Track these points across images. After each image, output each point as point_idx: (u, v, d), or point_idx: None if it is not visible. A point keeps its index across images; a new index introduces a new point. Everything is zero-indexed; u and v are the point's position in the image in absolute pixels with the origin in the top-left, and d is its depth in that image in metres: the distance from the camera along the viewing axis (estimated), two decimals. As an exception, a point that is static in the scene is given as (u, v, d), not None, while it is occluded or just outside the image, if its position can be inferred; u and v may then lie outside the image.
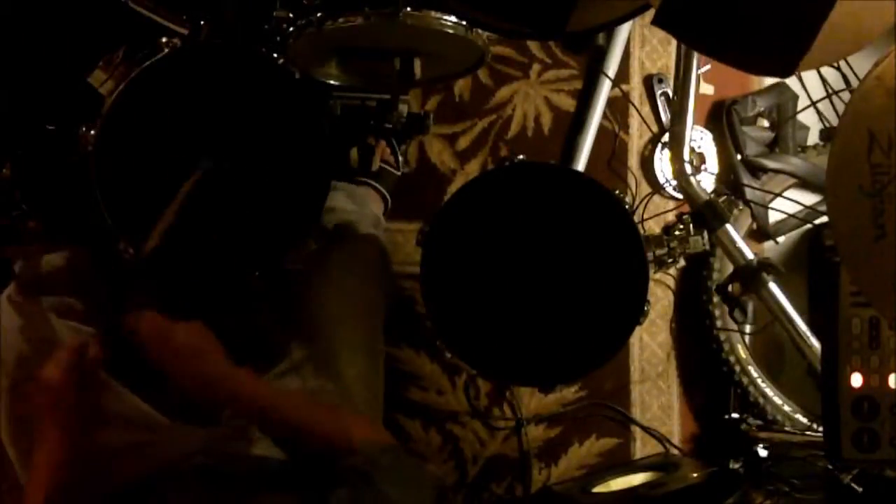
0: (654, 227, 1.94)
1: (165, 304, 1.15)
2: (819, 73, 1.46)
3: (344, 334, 1.36)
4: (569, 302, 1.36)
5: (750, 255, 1.66)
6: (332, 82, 1.54)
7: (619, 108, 2.01)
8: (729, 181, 1.96)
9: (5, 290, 1.29)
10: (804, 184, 1.96)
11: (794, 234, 2.00)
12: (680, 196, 1.91)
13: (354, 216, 1.55)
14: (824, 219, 1.75)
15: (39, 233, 1.36)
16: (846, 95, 1.31)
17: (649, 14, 0.93)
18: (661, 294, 2.01)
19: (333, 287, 1.40)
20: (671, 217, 1.99)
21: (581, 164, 1.92)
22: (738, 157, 1.97)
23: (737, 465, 1.73)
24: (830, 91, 1.46)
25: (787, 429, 1.89)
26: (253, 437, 1.23)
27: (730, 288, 1.66)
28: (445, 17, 1.28)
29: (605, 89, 1.95)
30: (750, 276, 1.64)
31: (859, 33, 0.90)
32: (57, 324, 1.26)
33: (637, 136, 2.03)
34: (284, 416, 1.10)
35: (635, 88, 2.04)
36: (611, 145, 2.01)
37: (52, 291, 1.29)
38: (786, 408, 1.92)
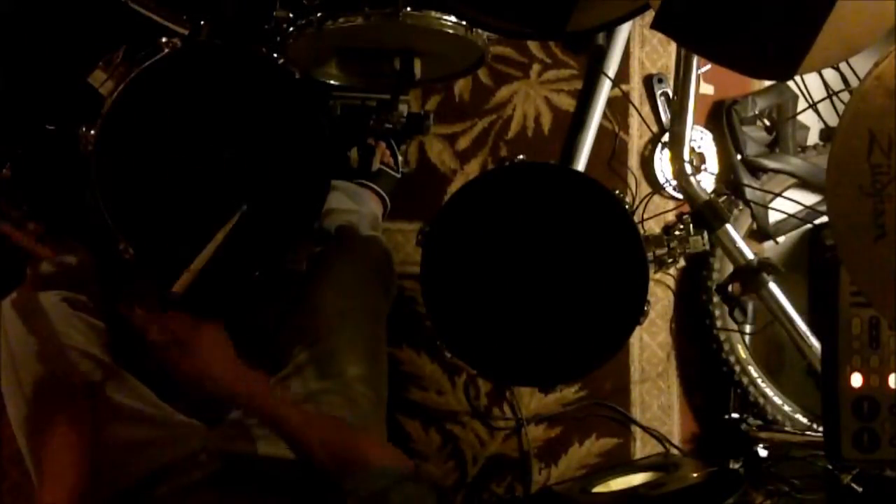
0: (654, 227, 1.94)
1: (165, 304, 1.16)
2: (819, 73, 1.46)
3: (346, 335, 1.37)
4: (569, 302, 1.36)
5: (750, 255, 1.65)
6: (332, 82, 1.54)
7: (619, 108, 2.01)
8: (729, 181, 1.96)
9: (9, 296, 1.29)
10: (804, 184, 1.96)
11: (794, 234, 2.00)
12: (680, 196, 1.91)
13: (355, 217, 1.55)
14: (824, 219, 1.75)
15: (41, 233, 1.36)
16: (846, 96, 1.30)
17: (649, 14, 0.93)
18: (661, 294, 2.01)
19: (335, 288, 1.40)
20: (671, 217, 1.99)
21: (581, 164, 1.92)
22: (738, 157, 1.97)
23: (737, 465, 1.73)
24: (830, 91, 1.46)
25: (787, 429, 1.89)
26: (256, 435, 1.24)
27: (730, 288, 1.66)
28: (445, 17, 1.28)
29: (605, 89, 1.95)
30: (750, 276, 1.64)
31: (859, 35, 0.90)
32: (67, 317, 1.26)
33: (637, 136, 2.03)
34: (294, 430, 1.14)
35: (635, 88, 2.04)
36: (611, 145, 2.01)
37: (57, 289, 1.29)
38: (786, 408, 1.92)
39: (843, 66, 1.40)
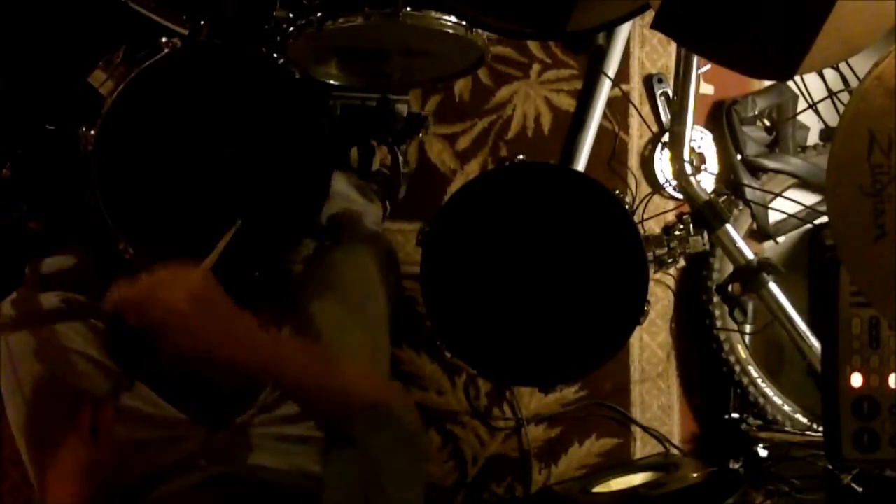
0: (654, 227, 1.94)
1: None
2: (819, 73, 1.46)
3: (345, 348, 1.36)
4: (569, 302, 1.36)
5: (750, 255, 1.66)
6: (332, 82, 1.54)
7: (619, 108, 2.01)
8: (729, 181, 1.96)
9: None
10: (804, 184, 1.96)
11: (794, 234, 2.01)
12: (680, 196, 1.91)
13: (360, 207, 1.52)
14: (824, 219, 1.75)
15: (40, 233, 1.36)
16: (846, 96, 1.31)
17: (649, 14, 0.93)
18: (661, 294, 2.01)
19: (336, 294, 1.39)
20: (671, 217, 1.99)
21: (581, 164, 1.92)
22: (738, 157, 1.97)
23: (737, 465, 1.73)
24: (830, 91, 1.46)
25: (787, 429, 1.89)
26: (255, 445, 1.23)
27: (730, 288, 1.67)
28: (445, 17, 1.28)
29: (605, 89, 1.95)
30: (750, 276, 1.64)
31: (859, 35, 0.90)
32: (66, 318, 1.26)
33: (637, 136, 2.03)
34: (298, 374, 1.01)
35: (635, 88, 2.04)
36: (611, 145, 2.01)
37: (56, 290, 1.29)
38: (786, 408, 1.92)
39: (843, 66, 1.40)
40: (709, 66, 1.92)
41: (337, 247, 1.43)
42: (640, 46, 2.04)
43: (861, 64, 1.09)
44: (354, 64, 1.49)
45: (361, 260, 1.44)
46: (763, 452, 1.75)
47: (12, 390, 1.23)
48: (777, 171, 1.96)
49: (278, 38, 1.36)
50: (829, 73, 1.42)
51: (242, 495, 1.12)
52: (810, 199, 1.89)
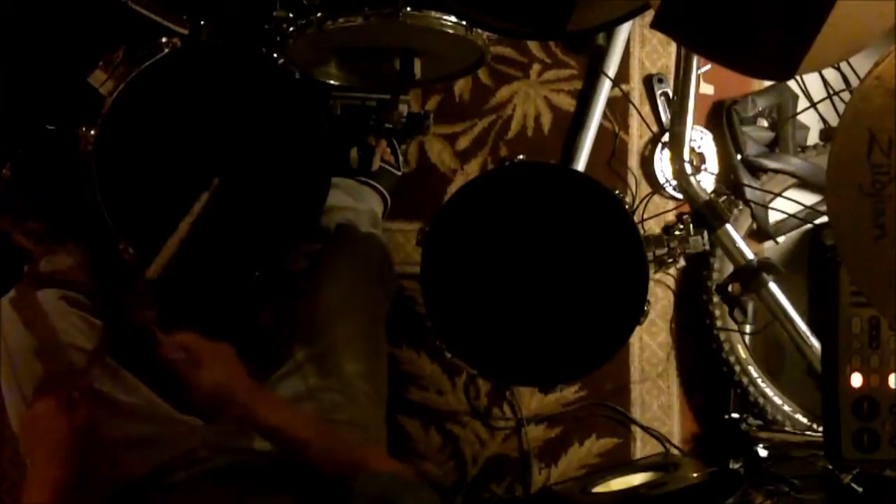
0: (654, 227, 1.94)
1: (166, 305, 1.16)
2: (819, 73, 1.46)
3: (345, 333, 1.37)
4: (569, 302, 1.36)
5: (750, 255, 1.66)
6: (332, 82, 1.54)
7: (619, 108, 2.01)
8: (729, 181, 1.96)
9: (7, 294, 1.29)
10: (804, 184, 1.96)
11: (794, 234, 2.00)
12: (680, 196, 1.91)
13: (354, 214, 1.55)
14: (824, 219, 1.75)
15: (40, 233, 1.36)
16: (846, 96, 1.31)
17: (649, 14, 0.93)
18: (661, 294, 2.01)
19: (333, 286, 1.40)
20: (671, 217, 1.99)
21: (581, 164, 1.92)
22: (738, 157, 1.97)
23: (737, 465, 1.73)
24: (830, 91, 1.46)
25: (787, 429, 1.89)
26: (250, 432, 1.24)
27: (730, 288, 1.67)
28: (445, 17, 1.28)
29: (605, 89, 1.95)
30: (750, 276, 1.64)
31: (859, 35, 0.90)
32: (65, 314, 1.26)
33: (637, 136, 2.03)
34: (301, 443, 1.12)
35: (635, 88, 2.04)
36: (611, 145, 2.01)
37: (55, 288, 1.30)
38: (786, 408, 1.92)
39: (843, 65, 1.40)
40: (709, 66, 1.92)
41: (334, 249, 1.46)
42: (640, 46, 2.04)
43: (861, 64, 1.09)
44: (354, 64, 1.49)
45: (356, 259, 1.47)
46: (763, 452, 1.75)
47: (11, 388, 1.23)
48: (777, 171, 1.95)
49: (278, 38, 1.36)
50: (829, 73, 1.43)
51: (244, 484, 1.13)
52: (810, 199, 1.89)
